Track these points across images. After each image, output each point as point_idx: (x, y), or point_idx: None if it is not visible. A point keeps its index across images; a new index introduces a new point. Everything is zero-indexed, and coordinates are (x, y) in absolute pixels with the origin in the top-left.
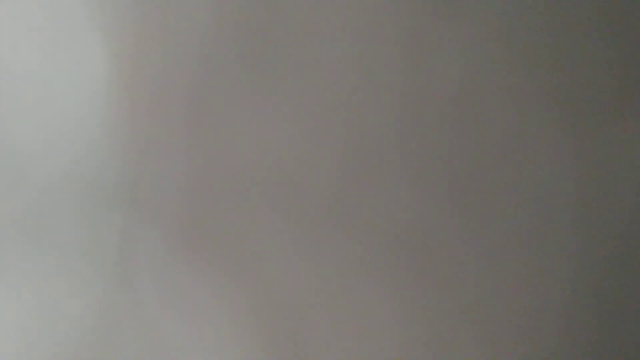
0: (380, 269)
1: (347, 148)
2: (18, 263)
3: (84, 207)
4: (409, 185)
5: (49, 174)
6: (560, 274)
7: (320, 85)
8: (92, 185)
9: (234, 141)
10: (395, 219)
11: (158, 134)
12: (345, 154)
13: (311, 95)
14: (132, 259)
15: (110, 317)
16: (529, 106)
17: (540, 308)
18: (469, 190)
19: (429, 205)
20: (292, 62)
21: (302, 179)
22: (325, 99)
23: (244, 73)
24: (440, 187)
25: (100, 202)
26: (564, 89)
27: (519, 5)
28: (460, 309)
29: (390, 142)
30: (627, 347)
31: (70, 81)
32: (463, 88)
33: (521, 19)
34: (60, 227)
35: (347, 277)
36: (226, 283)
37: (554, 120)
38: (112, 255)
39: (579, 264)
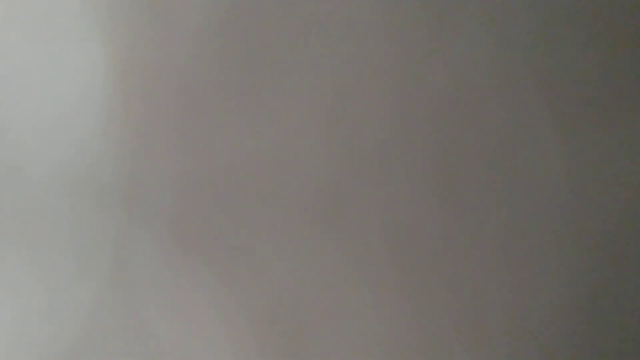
0: (372, 268)
1: (341, 147)
2: (10, 261)
3: (78, 205)
4: (402, 185)
5: (42, 171)
6: (555, 275)
7: (313, 84)
8: (86, 184)
9: (228, 140)
10: (389, 219)
11: (152, 132)
12: (338, 153)
13: (304, 94)
14: (126, 257)
15: (104, 316)
16: (524, 106)
17: (535, 309)
18: (463, 190)
19: (422, 204)
20: (285, 62)
21: (296, 178)
22: (318, 98)
23: (237, 73)
24: (435, 186)
25: (94, 200)
26: (559, 89)
27: (513, 6)
28: (454, 308)
29: (383, 142)
30: (624, 347)
31: (64, 79)
32: (458, 88)
33: (516, 19)
34: (53, 225)
35: (341, 277)
36: (220, 282)
37: (549, 121)
38: (105, 254)
39: (575, 265)
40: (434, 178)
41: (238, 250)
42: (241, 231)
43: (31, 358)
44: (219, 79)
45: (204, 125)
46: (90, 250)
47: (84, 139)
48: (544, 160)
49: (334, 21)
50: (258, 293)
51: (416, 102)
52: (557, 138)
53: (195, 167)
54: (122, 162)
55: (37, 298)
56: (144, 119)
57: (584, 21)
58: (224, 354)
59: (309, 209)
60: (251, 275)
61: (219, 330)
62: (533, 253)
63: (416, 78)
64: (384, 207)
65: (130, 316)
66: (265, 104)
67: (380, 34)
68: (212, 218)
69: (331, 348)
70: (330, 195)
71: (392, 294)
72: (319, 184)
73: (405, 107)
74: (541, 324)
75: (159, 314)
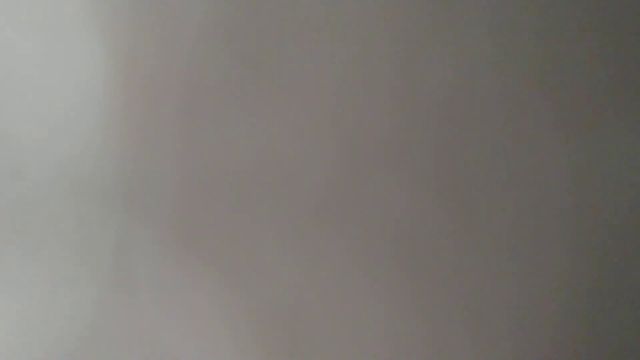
0: (375, 267)
1: (341, 147)
2: (11, 262)
3: (79, 205)
4: (403, 185)
5: (43, 171)
6: (556, 274)
7: (313, 84)
8: (88, 184)
9: (229, 140)
10: (390, 219)
11: (153, 132)
12: (339, 152)
13: (305, 94)
14: (127, 258)
15: (105, 317)
16: (525, 106)
17: (535, 308)
18: (463, 189)
19: (423, 203)
20: (285, 61)
21: (297, 178)
22: (318, 97)
23: (238, 71)
24: (435, 185)
25: (95, 200)
26: (559, 88)
27: (514, 5)
28: (455, 307)
29: (384, 141)
30: (623, 346)
31: (65, 78)
32: (459, 88)
33: (516, 18)
34: (54, 225)
35: (341, 276)
36: (222, 281)
37: (550, 120)
38: (107, 255)
39: (575, 264)
40: (437, 177)
41: (240, 250)
42: (243, 230)
43: (32, 358)
44: (219, 78)
45: (205, 124)
46: (91, 250)
47: (85, 139)
48: (545, 159)
49: (336, 21)
50: (260, 293)
51: (419, 101)
52: (558, 137)
53: (196, 166)
54: (123, 162)
55: (37, 298)
56: (145, 119)
57: (584, 21)
58: (225, 353)
59: (311, 208)
60: (253, 275)
61: (220, 330)
62: (535, 252)
63: (419, 77)
64: (387, 207)
65: (132, 315)
66: (267, 103)
67: (383, 33)
68: (214, 217)
69: (334, 348)
70: (333, 195)
71: (395, 293)
72: (321, 183)
73: (408, 107)
74: (544, 323)
75: (161, 313)
